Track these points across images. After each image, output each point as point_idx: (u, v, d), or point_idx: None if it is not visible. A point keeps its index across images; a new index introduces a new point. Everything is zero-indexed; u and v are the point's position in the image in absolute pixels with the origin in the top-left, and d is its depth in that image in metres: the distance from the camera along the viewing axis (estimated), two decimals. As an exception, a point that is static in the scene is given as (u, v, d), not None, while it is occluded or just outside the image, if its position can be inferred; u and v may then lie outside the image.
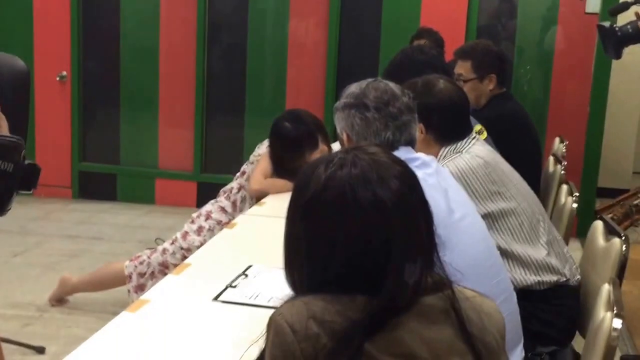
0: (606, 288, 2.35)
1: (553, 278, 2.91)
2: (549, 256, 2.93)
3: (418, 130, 2.60)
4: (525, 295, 2.80)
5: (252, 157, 4.44)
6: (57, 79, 7.05)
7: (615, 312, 2.16)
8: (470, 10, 6.42)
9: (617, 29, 4.02)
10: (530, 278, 2.89)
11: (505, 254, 2.86)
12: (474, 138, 3.00)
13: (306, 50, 6.89)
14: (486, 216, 2.81)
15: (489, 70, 4.29)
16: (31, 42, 7.05)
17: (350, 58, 6.70)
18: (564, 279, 2.94)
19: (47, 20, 7.01)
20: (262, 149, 4.40)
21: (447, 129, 2.96)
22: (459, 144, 2.94)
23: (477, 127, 3.56)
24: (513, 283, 2.75)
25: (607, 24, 4.11)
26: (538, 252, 2.92)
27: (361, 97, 2.45)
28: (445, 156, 2.92)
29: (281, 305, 1.54)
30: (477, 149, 2.93)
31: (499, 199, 2.88)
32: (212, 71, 7.00)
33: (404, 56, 3.94)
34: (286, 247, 1.61)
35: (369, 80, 2.52)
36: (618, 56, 4.17)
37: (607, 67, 6.30)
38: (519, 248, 2.90)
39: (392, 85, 2.50)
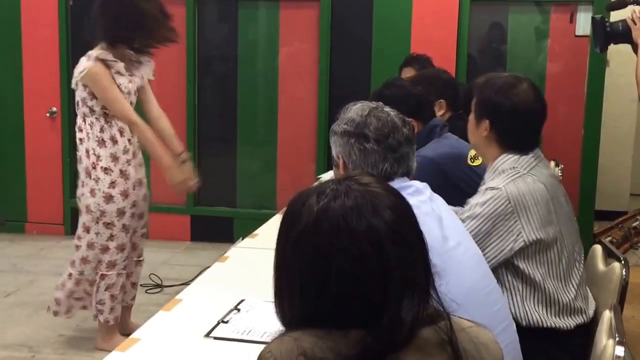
0: (607, 315, 2.31)
1: (575, 322, 2.75)
2: (576, 300, 2.77)
3: (482, 127, 2.71)
4: (538, 333, 2.70)
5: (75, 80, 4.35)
6: (47, 114, 7.01)
7: (617, 339, 2.11)
8: (460, 36, 6.40)
9: (607, 23, 4.04)
10: (550, 319, 2.72)
11: (533, 285, 2.72)
12: (537, 157, 2.85)
13: (297, 78, 6.86)
14: (533, 243, 2.69)
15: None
16: (21, 79, 7.03)
17: (342, 85, 6.65)
18: (586, 321, 2.78)
19: (36, 56, 7.00)
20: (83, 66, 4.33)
21: (514, 136, 2.84)
22: (520, 159, 2.80)
23: (473, 152, 3.52)
24: (530, 320, 2.69)
25: (598, 16, 4.12)
26: (567, 294, 2.75)
27: (362, 127, 2.39)
28: (504, 170, 2.78)
29: (270, 342, 1.50)
30: (539, 172, 2.80)
31: (550, 229, 2.72)
32: (203, 103, 6.97)
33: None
34: (276, 280, 1.57)
35: (371, 106, 2.46)
36: (602, 49, 4.17)
37: (600, 89, 6.28)
38: (550, 285, 2.73)
39: (393, 114, 2.44)
